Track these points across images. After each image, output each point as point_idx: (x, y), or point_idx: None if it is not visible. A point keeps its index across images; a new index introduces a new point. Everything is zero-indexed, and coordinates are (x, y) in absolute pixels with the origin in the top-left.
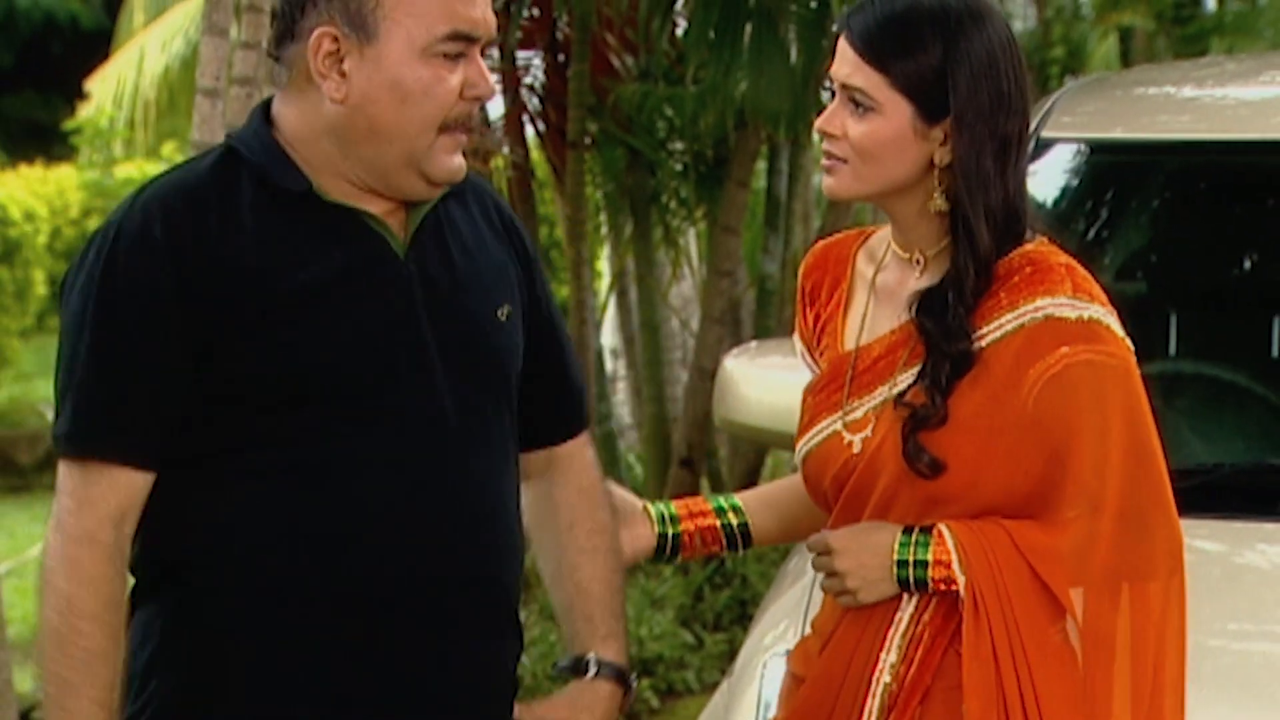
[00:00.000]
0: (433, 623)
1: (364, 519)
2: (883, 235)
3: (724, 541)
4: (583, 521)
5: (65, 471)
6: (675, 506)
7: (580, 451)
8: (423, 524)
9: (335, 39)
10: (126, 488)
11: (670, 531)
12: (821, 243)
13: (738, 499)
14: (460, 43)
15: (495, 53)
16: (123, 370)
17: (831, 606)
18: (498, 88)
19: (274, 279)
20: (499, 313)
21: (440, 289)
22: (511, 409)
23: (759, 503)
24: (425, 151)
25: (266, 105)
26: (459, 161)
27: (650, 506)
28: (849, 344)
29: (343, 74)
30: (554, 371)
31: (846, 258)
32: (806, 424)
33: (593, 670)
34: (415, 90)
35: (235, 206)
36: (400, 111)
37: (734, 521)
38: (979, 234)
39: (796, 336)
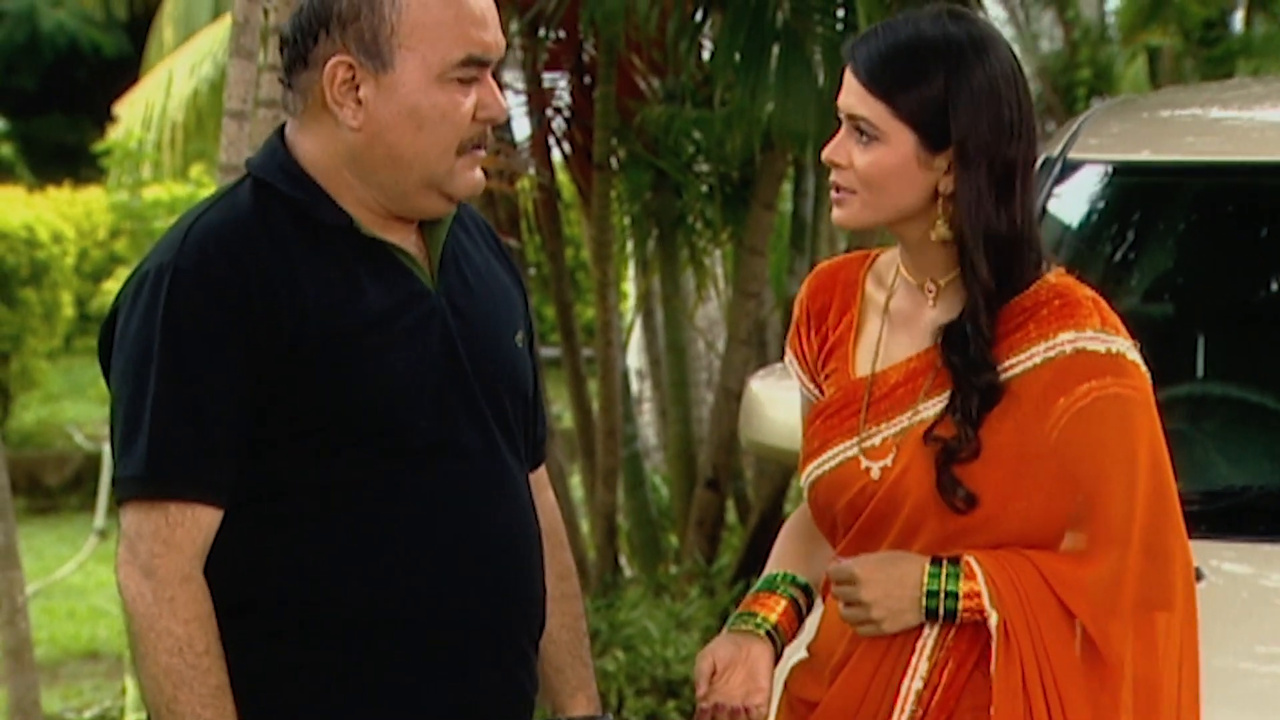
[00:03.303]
0: (495, 645)
1: (432, 552)
2: (888, 258)
3: (803, 611)
4: (551, 566)
5: (141, 515)
6: (769, 616)
7: (543, 488)
8: (486, 552)
9: (350, 67)
10: (207, 527)
11: (781, 640)
12: (826, 264)
13: (783, 571)
14: (474, 67)
15: (521, 75)
16: (197, 409)
17: (836, 631)
18: (523, 110)
19: (333, 314)
20: (516, 338)
21: (468, 319)
22: (526, 432)
23: (803, 560)
24: (445, 174)
25: (282, 132)
26: (479, 177)
27: (764, 631)
28: (862, 369)
29: (359, 102)
30: (535, 397)
31: (855, 281)
32: (817, 449)
33: None
34: (432, 117)
35: (283, 242)
36: (418, 138)
37: (796, 595)
38: (978, 265)
39: (791, 356)
